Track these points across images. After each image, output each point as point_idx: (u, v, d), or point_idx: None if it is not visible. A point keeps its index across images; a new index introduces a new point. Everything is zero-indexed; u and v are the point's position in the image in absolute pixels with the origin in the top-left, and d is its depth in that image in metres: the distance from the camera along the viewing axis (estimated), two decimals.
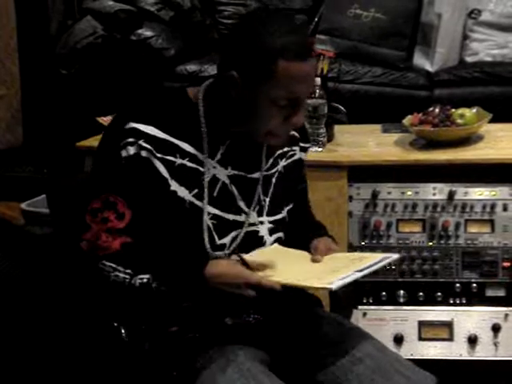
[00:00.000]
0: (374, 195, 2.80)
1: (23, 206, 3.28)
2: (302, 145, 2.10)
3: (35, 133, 4.27)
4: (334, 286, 1.72)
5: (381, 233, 2.81)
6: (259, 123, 1.86)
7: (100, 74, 4.24)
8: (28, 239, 3.19)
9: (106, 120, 3.20)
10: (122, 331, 1.84)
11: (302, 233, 2.09)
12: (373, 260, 1.91)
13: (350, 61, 4.15)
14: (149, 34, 4.36)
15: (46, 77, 4.35)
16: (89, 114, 3.32)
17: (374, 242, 2.81)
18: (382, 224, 2.80)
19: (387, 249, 2.79)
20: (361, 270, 1.82)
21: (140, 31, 4.34)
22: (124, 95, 3.84)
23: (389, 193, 2.80)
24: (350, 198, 2.81)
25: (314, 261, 1.93)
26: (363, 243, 2.81)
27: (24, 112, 4.29)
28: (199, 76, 4.24)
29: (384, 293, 2.80)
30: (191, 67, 4.30)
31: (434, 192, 2.79)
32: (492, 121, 2.91)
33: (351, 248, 2.80)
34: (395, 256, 1.99)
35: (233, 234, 1.94)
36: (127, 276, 1.83)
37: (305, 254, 1.98)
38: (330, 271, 1.84)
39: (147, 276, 1.83)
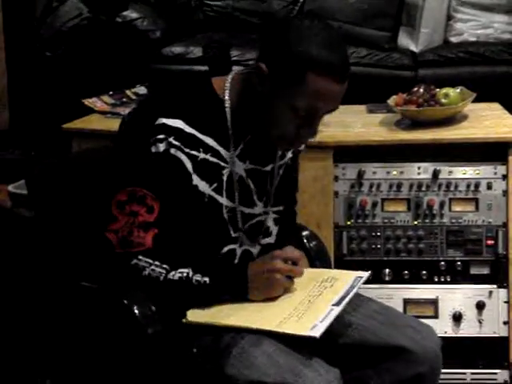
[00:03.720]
0: (360, 175, 2.82)
1: (10, 188, 3.28)
2: None
3: (22, 115, 4.27)
4: (317, 335, 1.76)
5: (366, 212, 2.83)
6: (273, 124, 1.88)
7: (86, 57, 4.23)
8: (15, 221, 3.20)
9: (91, 102, 3.20)
10: (136, 311, 1.85)
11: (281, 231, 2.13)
12: (345, 285, 1.95)
13: None
14: (134, 15, 4.35)
15: (31, 59, 4.34)
16: (75, 97, 3.31)
17: (360, 221, 2.84)
18: (368, 203, 2.82)
19: (373, 228, 2.82)
20: (337, 303, 1.87)
21: (125, 13, 4.34)
22: (109, 77, 3.84)
23: (374, 172, 2.82)
24: (336, 178, 2.83)
25: None
26: (349, 223, 2.84)
27: (10, 95, 4.28)
28: (185, 58, 4.24)
29: (369, 271, 2.81)
30: (177, 49, 4.30)
31: (419, 171, 2.81)
32: (476, 100, 2.93)
33: (337, 228, 2.82)
34: (367, 274, 2.03)
35: (246, 226, 1.99)
36: (163, 271, 1.87)
37: None
38: (306, 305, 1.88)
39: (187, 270, 1.87)
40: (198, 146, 1.89)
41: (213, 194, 1.92)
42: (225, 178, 1.94)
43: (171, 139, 1.85)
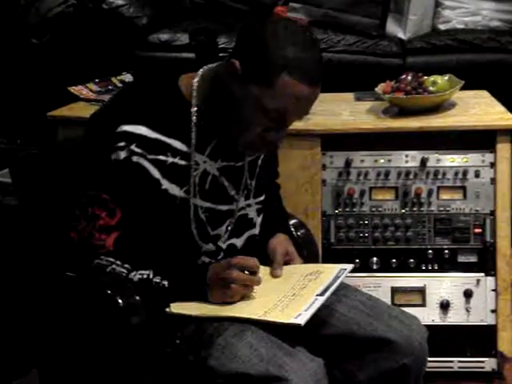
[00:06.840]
0: (347, 163, 2.81)
1: None
2: None
3: (7, 103, 4.24)
4: (302, 322, 1.77)
5: (354, 201, 2.82)
6: (240, 125, 1.85)
7: (71, 44, 4.20)
8: (1, 210, 3.18)
9: (77, 89, 3.18)
10: (119, 301, 1.84)
11: (265, 217, 2.12)
12: (329, 276, 1.95)
13: (322, 29, 4.14)
14: (120, 2, 4.31)
15: (17, 46, 4.31)
16: (61, 84, 3.29)
17: (348, 210, 2.83)
18: (356, 192, 2.82)
19: (360, 216, 2.82)
20: (322, 294, 1.88)
21: (111, 0, 4.30)
22: (95, 65, 3.82)
23: (362, 161, 2.81)
24: (324, 167, 2.82)
25: (273, 276, 2.01)
26: (337, 211, 2.83)
27: None
28: (172, 45, 4.21)
29: (357, 260, 2.82)
30: (163, 36, 4.27)
31: (407, 159, 2.81)
32: (464, 88, 2.92)
33: (325, 216, 2.81)
34: (350, 266, 2.03)
35: (227, 222, 1.99)
36: (124, 270, 1.86)
37: (265, 269, 2.02)
38: (290, 297, 1.88)
39: (147, 272, 1.87)
40: (165, 150, 1.87)
41: (185, 195, 1.90)
42: (197, 180, 1.92)
43: (133, 147, 1.83)
